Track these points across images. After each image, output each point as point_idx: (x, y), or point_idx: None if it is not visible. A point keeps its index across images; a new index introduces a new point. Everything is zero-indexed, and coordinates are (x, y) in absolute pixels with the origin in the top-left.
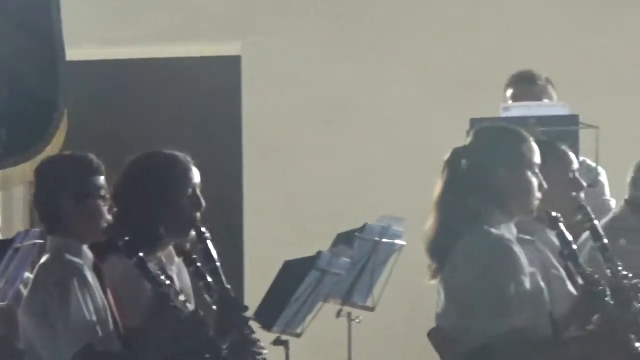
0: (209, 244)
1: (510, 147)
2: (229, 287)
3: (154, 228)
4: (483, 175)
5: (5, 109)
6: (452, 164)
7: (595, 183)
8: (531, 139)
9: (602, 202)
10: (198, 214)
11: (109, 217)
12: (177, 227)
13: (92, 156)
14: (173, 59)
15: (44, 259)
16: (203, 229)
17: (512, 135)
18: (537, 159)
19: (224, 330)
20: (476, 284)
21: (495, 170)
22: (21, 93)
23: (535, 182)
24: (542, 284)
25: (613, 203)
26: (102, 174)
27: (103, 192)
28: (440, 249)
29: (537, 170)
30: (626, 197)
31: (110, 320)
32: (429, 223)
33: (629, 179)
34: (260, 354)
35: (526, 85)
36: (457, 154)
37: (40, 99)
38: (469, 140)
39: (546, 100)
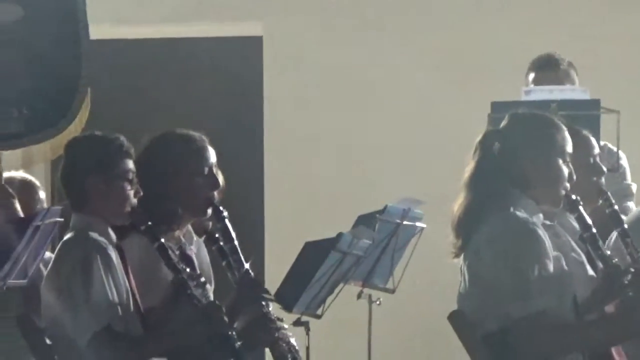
0: (227, 222)
1: (544, 134)
2: (247, 266)
3: (171, 207)
4: (514, 159)
5: (27, 87)
6: (485, 146)
7: (616, 167)
8: (565, 128)
9: (624, 186)
10: (215, 193)
11: (134, 201)
12: (194, 205)
13: (123, 138)
14: (194, 39)
15: (67, 236)
16: (220, 208)
17: (547, 122)
18: (570, 148)
19: (240, 308)
20: (499, 266)
21: (527, 155)
22: (44, 71)
23: (565, 171)
24: (566, 267)
25: (634, 187)
26: (131, 157)
27: (130, 176)
28: (466, 228)
29: (568, 160)
30: None
31: (131, 301)
32: (457, 202)
33: None
34: (279, 330)
35: (548, 70)
36: (491, 136)
37: (63, 78)
38: (502, 123)
39: (568, 85)
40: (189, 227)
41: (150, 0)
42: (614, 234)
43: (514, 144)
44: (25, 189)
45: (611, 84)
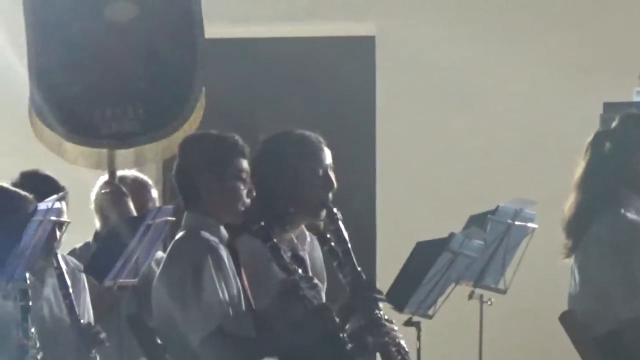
0: (340, 224)
1: None
2: (359, 268)
3: (285, 207)
4: (625, 159)
5: (143, 87)
6: (596, 146)
7: None
8: None
9: None
10: (330, 195)
11: (247, 201)
12: (309, 207)
13: (238, 137)
14: (307, 38)
15: (179, 235)
16: (334, 210)
17: None
18: None
19: (352, 311)
20: (609, 268)
21: (638, 156)
22: (159, 70)
23: None
24: None
25: None
26: (245, 157)
27: (244, 175)
28: (577, 228)
29: None
30: None
31: (243, 301)
32: (568, 202)
33: None
34: (389, 333)
35: None
36: (601, 136)
37: (179, 77)
38: (614, 124)
39: None
40: (303, 227)
41: (263, 0)
42: None
43: (625, 144)
44: (138, 188)
45: None
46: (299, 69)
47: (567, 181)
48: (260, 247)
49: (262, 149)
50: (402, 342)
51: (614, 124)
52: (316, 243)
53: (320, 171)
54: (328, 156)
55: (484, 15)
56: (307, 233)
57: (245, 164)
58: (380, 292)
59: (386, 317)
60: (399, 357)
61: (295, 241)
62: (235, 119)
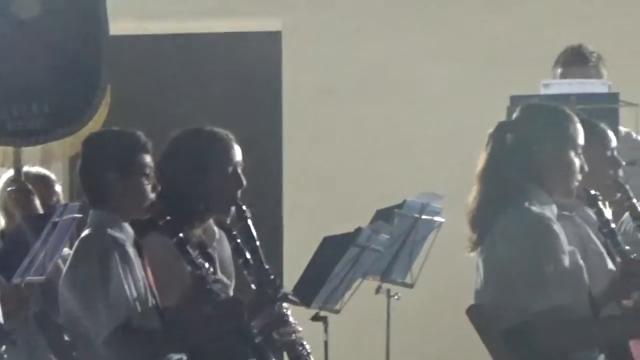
0: (249, 222)
1: (556, 125)
2: (267, 266)
3: (194, 205)
4: (527, 151)
5: (48, 84)
6: (497, 138)
7: (633, 161)
8: (577, 120)
9: None
10: (239, 192)
11: (152, 196)
12: (218, 204)
13: (140, 133)
14: (213, 34)
15: (85, 232)
16: (243, 207)
17: (559, 114)
18: (582, 140)
19: (258, 308)
20: (515, 261)
21: (540, 147)
22: (65, 67)
23: (577, 163)
24: (581, 262)
25: None
26: (148, 152)
27: (148, 170)
28: (481, 222)
29: (580, 152)
30: None
31: (150, 297)
32: (471, 195)
33: None
34: (295, 331)
35: (576, 65)
36: (503, 127)
37: (84, 74)
38: (515, 115)
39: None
40: (212, 224)
41: None
42: (627, 225)
43: (526, 135)
44: (42, 183)
45: (631, 78)
46: (206, 64)
47: (474, 174)
48: (169, 243)
49: (172, 145)
50: (306, 344)
51: (515, 115)
52: (225, 240)
53: (230, 168)
54: (238, 153)
55: (392, 10)
56: (216, 230)
57: (148, 159)
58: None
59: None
60: (304, 358)
61: (204, 237)
62: (143, 116)
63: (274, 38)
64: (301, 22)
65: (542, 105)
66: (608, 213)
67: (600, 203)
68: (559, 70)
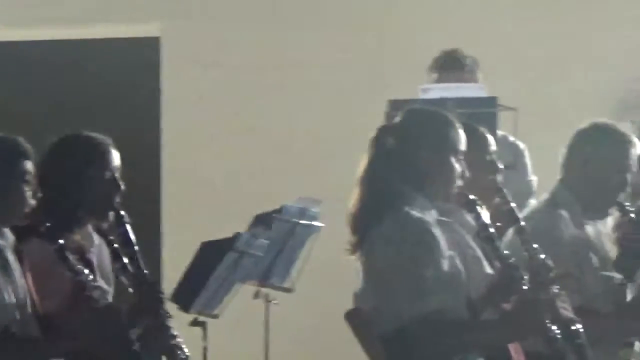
0: (128, 227)
1: (437, 130)
2: (146, 271)
3: (72, 210)
4: (407, 155)
5: None
6: (379, 142)
7: (512, 164)
8: (459, 125)
9: (526, 182)
10: (117, 197)
11: (32, 202)
12: (96, 209)
13: (21, 139)
14: (91, 40)
15: None
16: (122, 212)
17: (440, 119)
18: (463, 146)
19: (138, 313)
20: (394, 265)
21: (420, 152)
22: None
23: (458, 168)
24: (461, 266)
25: (535, 183)
26: (29, 158)
27: (28, 177)
28: (361, 225)
29: (461, 157)
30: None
31: (29, 304)
32: (352, 198)
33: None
34: (174, 337)
35: (452, 70)
36: (385, 132)
37: None
38: (397, 119)
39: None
40: (90, 229)
41: (46, 2)
42: (510, 231)
43: (408, 140)
44: None
45: (509, 81)
46: (83, 71)
47: (354, 179)
48: (49, 249)
49: (50, 150)
50: (184, 348)
51: (397, 119)
52: (104, 245)
53: (108, 174)
54: (116, 158)
55: (271, 14)
56: (94, 235)
57: (29, 165)
58: (162, 300)
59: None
60: None
61: (83, 242)
62: (20, 123)
63: (153, 44)
64: (179, 28)
65: (424, 110)
66: (486, 217)
67: (478, 208)
68: (435, 75)
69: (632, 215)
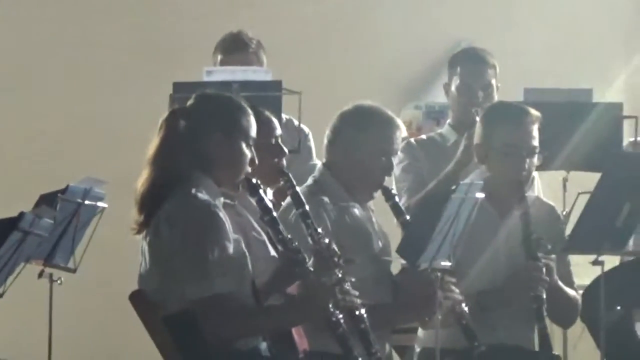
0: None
1: (229, 116)
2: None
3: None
4: (198, 139)
5: None
6: (170, 124)
7: (297, 148)
8: (251, 112)
9: (310, 166)
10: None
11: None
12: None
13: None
14: None
15: None
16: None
17: (232, 104)
18: (254, 132)
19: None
20: (178, 247)
21: (211, 136)
22: None
23: (248, 154)
24: (245, 250)
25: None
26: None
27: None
28: (148, 205)
29: (251, 144)
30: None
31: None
32: (141, 178)
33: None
34: None
35: (237, 52)
36: (176, 114)
37: None
38: (189, 102)
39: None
40: None
41: None
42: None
43: (199, 124)
44: None
45: (293, 65)
46: None
47: (141, 160)
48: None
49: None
50: None
51: (189, 102)
52: None
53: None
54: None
55: None
56: None
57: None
58: None
59: None
60: None
61: None
62: None
63: None
64: None
65: (216, 95)
66: (269, 201)
67: (261, 191)
68: (219, 57)
69: (396, 199)
